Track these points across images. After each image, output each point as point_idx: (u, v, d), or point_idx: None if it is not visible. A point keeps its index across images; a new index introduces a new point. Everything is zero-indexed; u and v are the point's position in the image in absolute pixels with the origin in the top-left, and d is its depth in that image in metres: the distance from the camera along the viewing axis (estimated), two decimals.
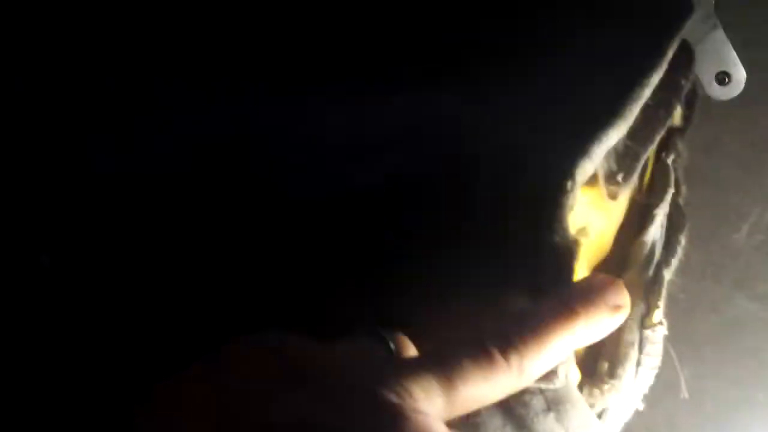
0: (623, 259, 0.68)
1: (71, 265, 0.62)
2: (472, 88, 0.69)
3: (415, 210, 0.61)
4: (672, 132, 0.81)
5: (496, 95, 0.68)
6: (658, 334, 0.65)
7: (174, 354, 0.54)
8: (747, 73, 0.84)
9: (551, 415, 0.60)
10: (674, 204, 0.76)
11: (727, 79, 0.87)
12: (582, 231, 0.61)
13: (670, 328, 0.90)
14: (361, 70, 0.72)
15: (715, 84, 0.87)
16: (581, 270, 0.65)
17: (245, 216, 0.62)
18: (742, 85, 0.87)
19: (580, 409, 0.61)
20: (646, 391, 0.65)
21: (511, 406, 0.60)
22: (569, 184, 0.58)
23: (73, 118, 0.69)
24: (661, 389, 1.09)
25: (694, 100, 0.86)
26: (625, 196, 0.71)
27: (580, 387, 0.63)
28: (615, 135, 0.62)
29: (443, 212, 0.60)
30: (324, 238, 0.61)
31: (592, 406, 0.63)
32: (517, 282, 0.59)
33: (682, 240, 0.75)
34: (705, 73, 0.86)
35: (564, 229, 0.57)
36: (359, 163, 0.63)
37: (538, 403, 0.60)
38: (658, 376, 1.09)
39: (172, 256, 0.62)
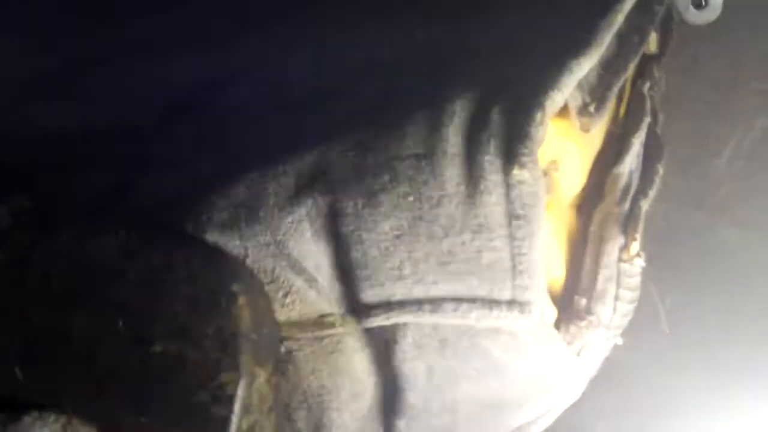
0: (599, 190, 0.67)
1: None
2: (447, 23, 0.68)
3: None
4: (648, 59, 0.79)
5: (470, 31, 0.67)
6: (635, 267, 0.64)
7: None
8: None
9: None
10: (651, 132, 0.74)
11: (704, 3, 0.85)
12: (553, 164, 0.59)
13: (652, 255, 0.89)
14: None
15: (691, 8, 0.85)
16: (556, 203, 0.64)
17: None
18: (719, 9, 0.85)
19: (553, 346, 0.61)
20: (625, 325, 0.64)
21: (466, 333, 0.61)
22: (539, 116, 0.56)
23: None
24: (645, 318, 1.09)
25: (669, 25, 0.84)
26: (599, 127, 0.70)
27: (557, 324, 0.61)
28: (586, 64, 0.61)
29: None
30: None
31: (570, 343, 0.62)
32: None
33: (660, 169, 0.73)
34: None
35: (534, 162, 0.56)
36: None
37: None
38: (639, 310, 1.09)
39: None
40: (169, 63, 0.71)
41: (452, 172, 0.58)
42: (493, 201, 0.57)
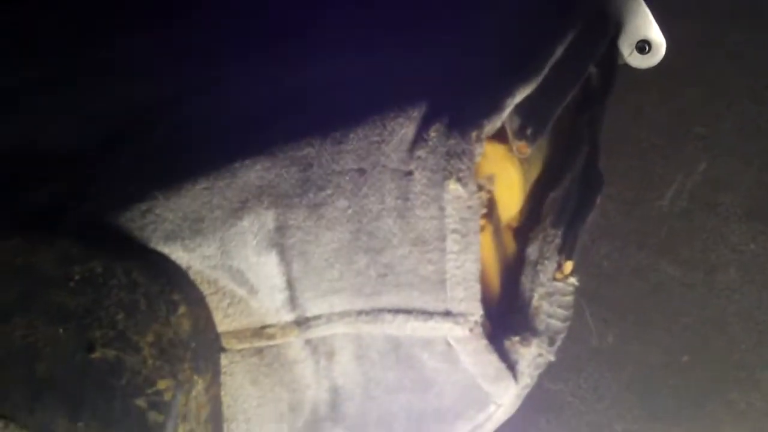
0: (536, 214, 0.69)
1: None
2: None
3: None
4: (590, 95, 0.82)
5: (410, 55, 0.69)
6: (569, 286, 0.66)
7: None
8: (667, 44, 0.86)
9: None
10: (590, 163, 0.76)
11: (647, 48, 0.88)
12: (489, 180, 0.61)
13: (595, 293, 0.91)
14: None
15: (635, 53, 0.88)
16: (494, 223, 0.65)
17: None
18: (662, 53, 0.88)
19: (486, 359, 0.62)
20: (558, 343, 0.66)
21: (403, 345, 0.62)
22: (475, 134, 0.58)
23: None
24: (586, 355, 1.11)
25: (613, 65, 0.87)
26: (538, 155, 0.72)
27: (492, 339, 0.63)
28: (525, 90, 0.63)
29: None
30: None
31: (503, 358, 0.64)
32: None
33: (597, 200, 0.75)
34: (625, 41, 0.87)
35: (470, 178, 0.58)
36: None
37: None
38: (582, 343, 1.11)
39: None
40: (116, 83, 0.72)
41: (391, 186, 0.59)
42: (429, 215, 0.59)
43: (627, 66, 0.88)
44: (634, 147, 1.18)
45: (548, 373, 0.99)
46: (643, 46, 0.89)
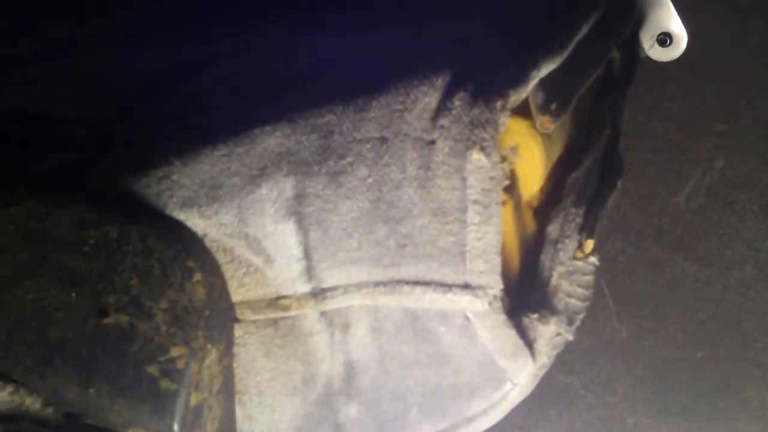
0: (557, 194, 0.68)
1: None
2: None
3: None
4: (611, 82, 0.81)
5: (434, 24, 0.68)
6: (589, 265, 0.65)
7: None
8: (688, 38, 0.85)
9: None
10: (611, 147, 0.75)
11: (668, 41, 0.87)
12: (513, 150, 0.60)
13: (609, 287, 0.90)
14: None
15: (656, 45, 0.87)
16: (514, 198, 0.64)
17: None
18: (683, 46, 0.87)
19: (504, 334, 0.61)
20: (577, 323, 0.65)
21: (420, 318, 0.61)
22: (500, 103, 0.57)
23: None
24: (599, 348, 1.09)
25: (634, 53, 0.86)
26: (559, 135, 0.71)
27: (510, 316, 0.62)
28: (550, 64, 0.62)
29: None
30: None
31: (522, 335, 0.63)
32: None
33: (618, 184, 0.74)
34: (647, 33, 0.86)
35: (494, 148, 0.57)
36: None
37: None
38: (595, 335, 1.10)
39: None
40: (136, 48, 0.71)
41: (413, 155, 0.58)
42: (450, 185, 0.58)
43: (646, 60, 0.87)
44: (652, 142, 1.17)
45: (560, 366, 0.98)
46: (665, 39, 0.88)
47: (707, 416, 1.07)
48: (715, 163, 1.15)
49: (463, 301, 0.59)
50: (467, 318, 0.61)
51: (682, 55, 0.87)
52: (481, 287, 0.59)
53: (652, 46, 0.87)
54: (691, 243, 1.12)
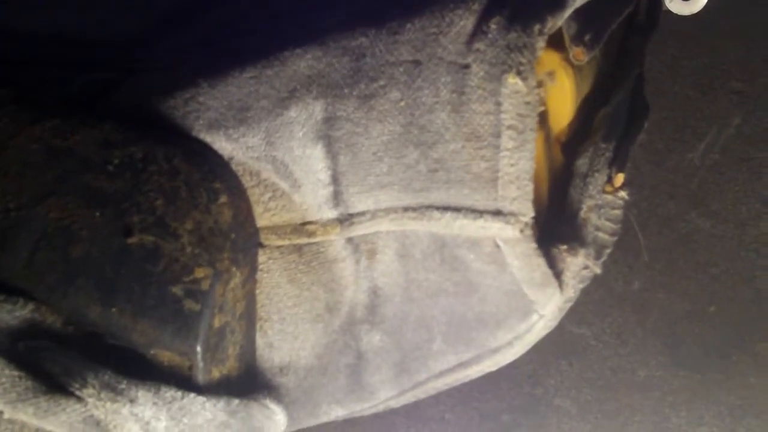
0: (586, 129, 0.67)
1: None
2: None
3: None
4: (636, 26, 0.80)
5: None
6: (619, 199, 0.64)
7: None
8: None
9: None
10: (638, 86, 0.75)
11: None
12: (549, 76, 0.59)
13: (621, 240, 0.89)
14: None
15: None
16: (544, 129, 0.64)
17: None
18: (703, 1, 0.86)
19: (534, 262, 0.60)
20: (605, 257, 0.64)
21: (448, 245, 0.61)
22: (538, 27, 0.56)
23: None
24: (611, 300, 1.09)
25: (658, 6, 0.85)
26: (589, 71, 0.70)
27: (540, 244, 0.61)
28: None
29: None
30: None
31: (550, 266, 0.62)
32: None
33: (645, 124, 0.74)
34: None
35: (530, 72, 0.56)
36: None
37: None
38: (606, 287, 1.10)
39: None
40: None
41: (446, 79, 0.57)
42: (485, 110, 0.57)
43: (665, 17, 0.87)
44: (668, 98, 1.16)
45: (571, 317, 0.98)
46: None
47: (719, 369, 1.07)
48: (731, 120, 1.15)
49: (493, 227, 0.58)
50: (497, 245, 0.60)
51: (700, 12, 0.86)
52: (513, 214, 0.58)
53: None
54: (705, 199, 1.12)
